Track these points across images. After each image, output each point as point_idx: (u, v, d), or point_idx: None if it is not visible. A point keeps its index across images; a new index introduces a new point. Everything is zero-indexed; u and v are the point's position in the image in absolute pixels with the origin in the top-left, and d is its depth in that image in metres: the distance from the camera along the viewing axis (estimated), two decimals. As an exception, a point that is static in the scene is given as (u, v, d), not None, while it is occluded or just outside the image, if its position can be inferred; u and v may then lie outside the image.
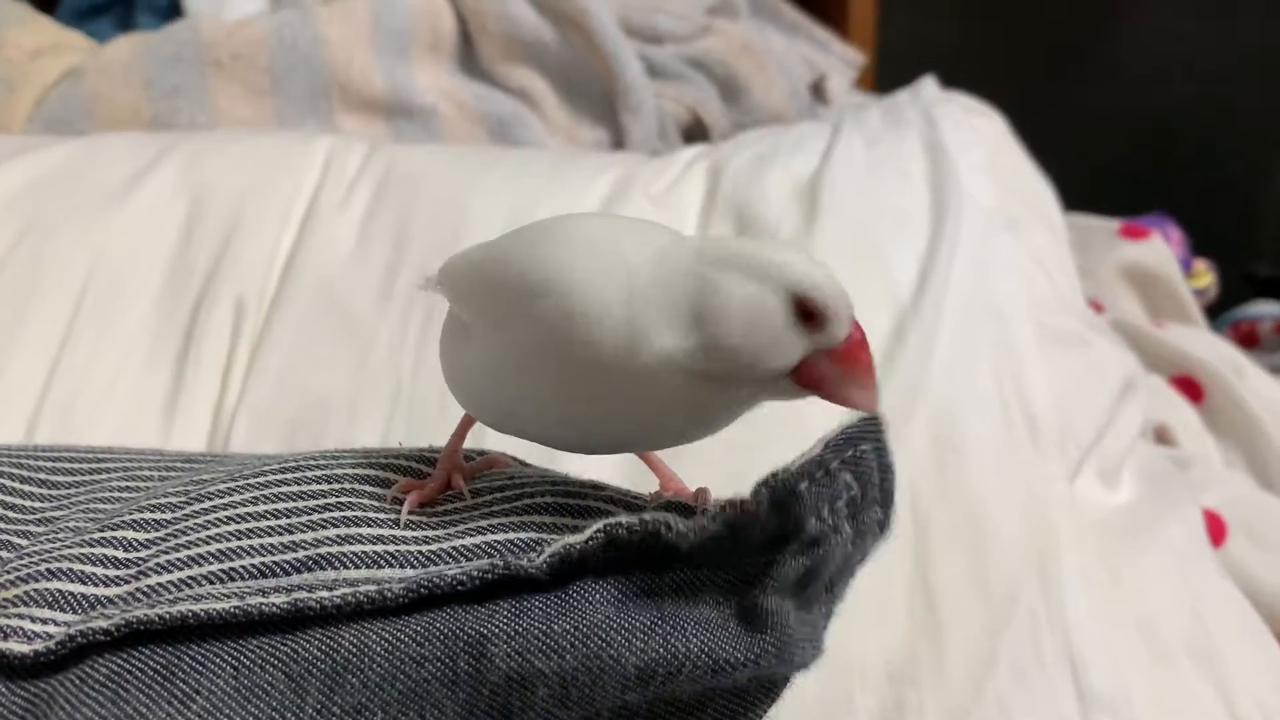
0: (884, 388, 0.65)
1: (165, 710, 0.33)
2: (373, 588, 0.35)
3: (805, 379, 0.36)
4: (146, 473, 0.47)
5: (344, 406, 0.66)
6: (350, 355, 0.68)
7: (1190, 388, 0.86)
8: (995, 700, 0.56)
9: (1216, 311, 1.14)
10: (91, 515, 0.43)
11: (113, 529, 0.40)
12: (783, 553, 0.35)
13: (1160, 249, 0.95)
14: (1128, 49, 1.83)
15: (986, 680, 0.57)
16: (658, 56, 1.06)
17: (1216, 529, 0.73)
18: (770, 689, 0.37)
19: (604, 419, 0.37)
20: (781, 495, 0.34)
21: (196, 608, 0.35)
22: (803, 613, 0.36)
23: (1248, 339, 1.09)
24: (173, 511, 0.41)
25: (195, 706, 0.34)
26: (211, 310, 0.70)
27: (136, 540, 0.40)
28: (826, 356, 0.36)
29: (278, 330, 0.69)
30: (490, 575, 0.35)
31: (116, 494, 0.45)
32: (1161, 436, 0.80)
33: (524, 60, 1.00)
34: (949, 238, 0.72)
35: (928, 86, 0.91)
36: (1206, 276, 1.03)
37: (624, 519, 0.35)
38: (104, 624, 0.35)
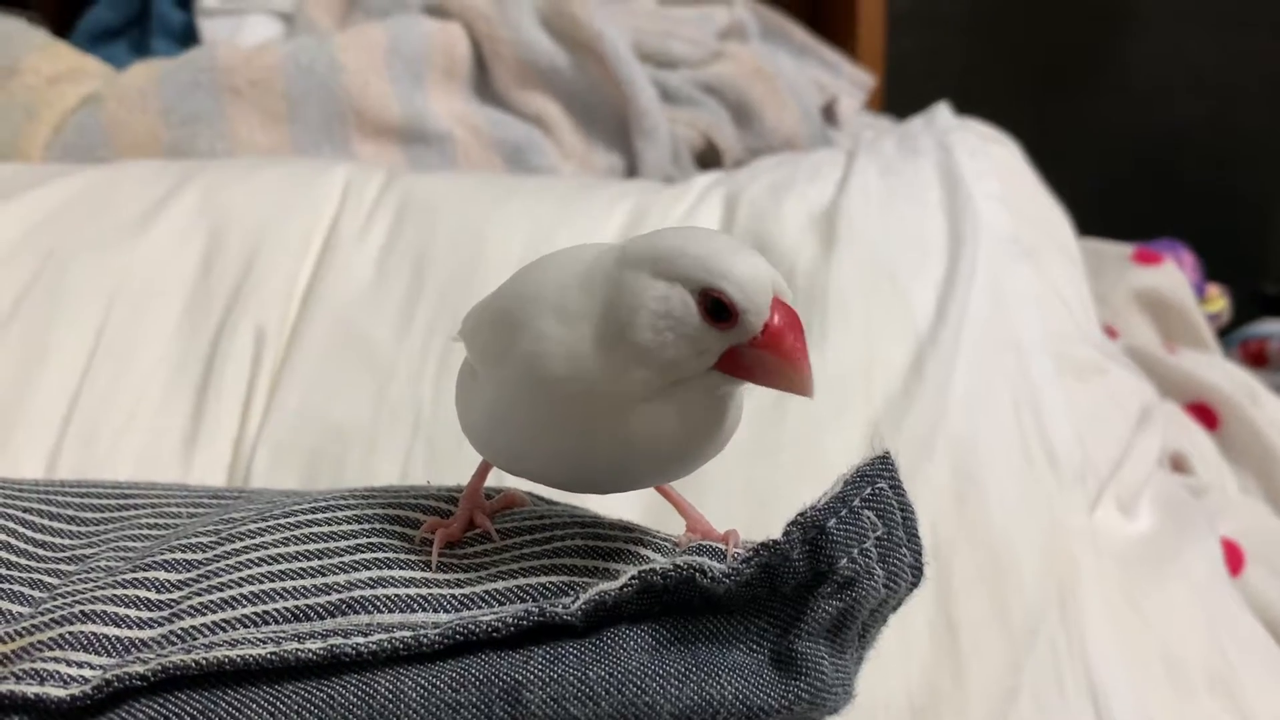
0: (903, 422, 0.65)
1: (203, 756, 0.34)
2: (408, 634, 0.35)
3: (731, 369, 0.35)
4: (175, 509, 0.47)
5: (364, 438, 0.66)
6: (370, 386, 0.68)
7: (1205, 415, 0.86)
8: (1018, 733, 0.56)
9: (1225, 330, 1.14)
10: (122, 554, 0.43)
11: (144, 569, 0.41)
12: (816, 595, 0.35)
13: (1174, 275, 0.96)
14: (1136, 67, 1.84)
15: (1009, 713, 0.57)
16: (671, 81, 1.07)
17: (1234, 558, 0.73)
18: (801, 734, 0.37)
19: (592, 453, 0.37)
20: (812, 534, 0.35)
21: (234, 653, 0.35)
22: (836, 658, 0.36)
23: (1257, 358, 1.09)
24: (204, 551, 0.41)
25: (231, 753, 0.34)
26: (232, 340, 0.70)
27: (169, 581, 0.40)
28: (752, 346, 0.34)
29: (297, 360, 0.69)
30: (525, 621, 0.35)
31: (146, 531, 0.45)
32: (1177, 464, 0.80)
33: (538, 86, 1.01)
34: (966, 267, 0.72)
35: (941, 114, 0.91)
36: (1220, 301, 1.03)
37: (658, 565, 0.36)
38: (140, 669, 0.35)
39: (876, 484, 0.37)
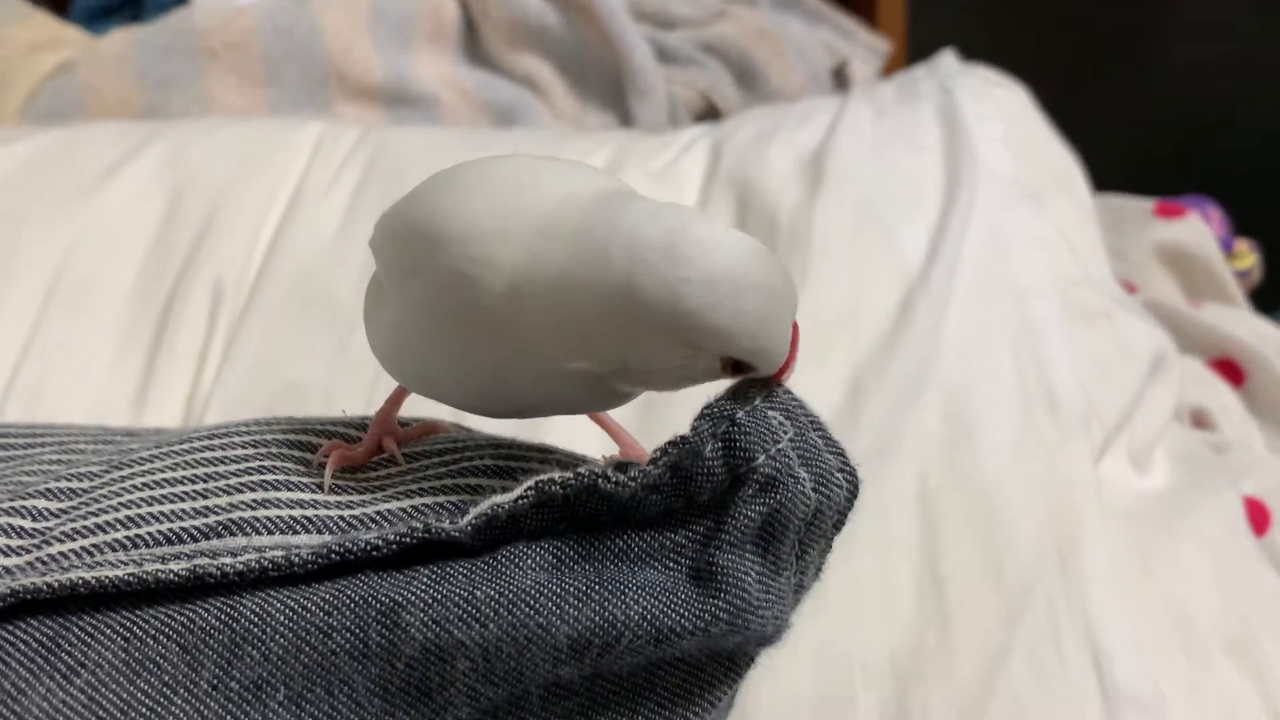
0: (889, 367, 0.61)
1: (46, 685, 0.30)
2: (279, 553, 0.32)
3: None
4: (82, 445, 0.44)
5: (320, 393, 0.63)
6: (329, 341, 0.65)
7: (1230, 370, 0.81)
8: (1009, 695, 0.52)
9: (1263, 297, 1.08)
10: (10, 488, 0.40)
11: (25, 499, 0.37)
12: (737, 500, 0.31)
13: (1198, 228, 0.90)
14: (1173, 40, 1.77)
15: (999, 674, 0.52)
16: (670, 41, 1.03)
17: (1260, 517, 0.67)
18: (730, 666, 0.33)
19: (512, 388, 0.33)
20: (723, 426, 0.31)
21: (88, 575, 0.32)
22: (767, 577, 0.32)
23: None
24: (90, 480, 0.38)
25: (79, 681, 0.30)
26: (188, 296, 0.67)
27: (47, 510, 0.37)
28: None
29: (255, 316, 0.66)
30: (409, 539, 0.32)
31: (45, 466, 0.42)
32: (1200, 421, 0.75)
33: (529, 46, 0.97)
34: (962, 208, 0.68)
35: (946, 60, 0.87)
36: (1250, 257, 0.97)
37: (557, 474, 0.32)
38: (-13, 594, 0.32)
39: (773, 387, 0.33)
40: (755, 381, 0.33)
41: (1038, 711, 0.51)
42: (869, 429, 0.59)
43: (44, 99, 0.87)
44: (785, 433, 0.31)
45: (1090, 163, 0.82)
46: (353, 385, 0.63)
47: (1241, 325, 0.83)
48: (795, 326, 0.32)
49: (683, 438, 0.31)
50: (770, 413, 0.32)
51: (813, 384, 0.61)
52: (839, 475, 0.33)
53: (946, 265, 0.65)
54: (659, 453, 0.31)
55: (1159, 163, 1.64)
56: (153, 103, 0.87)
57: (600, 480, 0.31)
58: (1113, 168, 0.97)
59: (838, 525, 0.34)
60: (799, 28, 1.14)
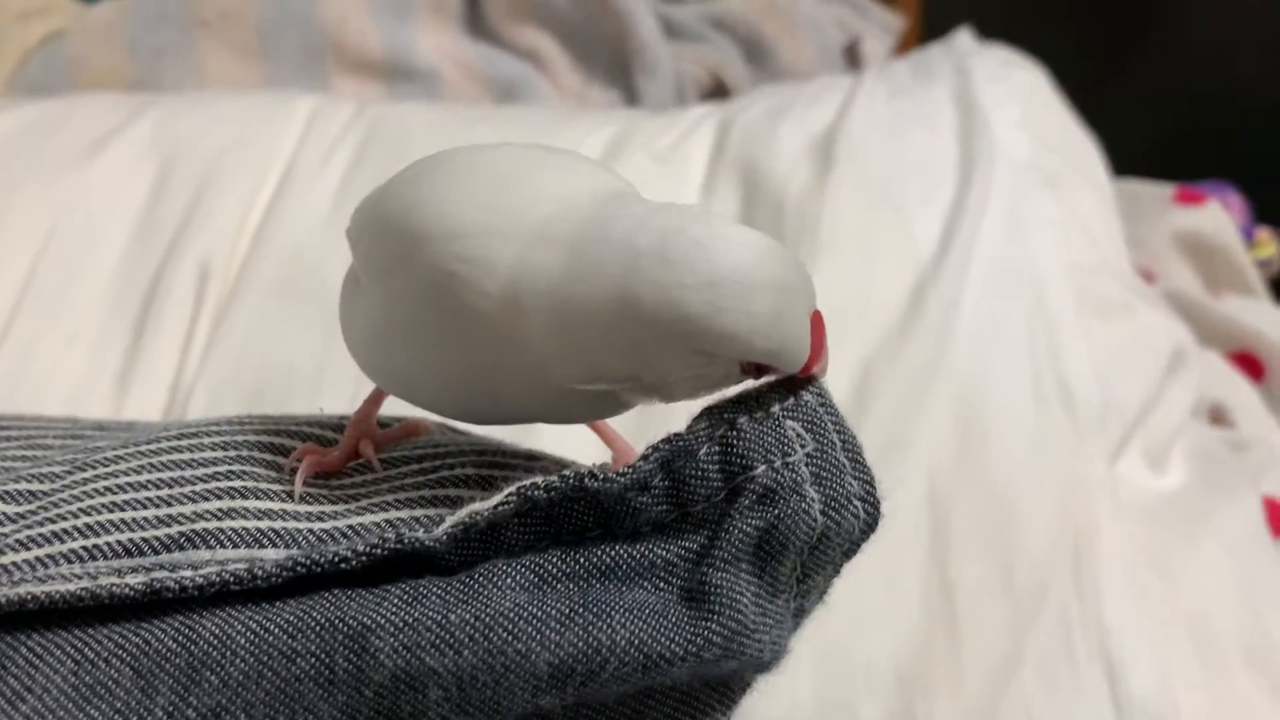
0: (898, 358, 0.59)
1: (-12, 711, 0.28)
2: (242, 566, 0.30)
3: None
4: (50, 440, 0.42)
5: (309, 378, 0.61)
6: (319, 324, 0.63)
7: (1250, 364, 0.79)
8: (1019, 705, 0.50)
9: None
10: (-30, 488, 0.38)
11: (-18, 502, 0.35)
12: (732, 511, 0.29)
13: (1218, 216, 0.87)
14: (1192, 20, 1.73)
15: (1009, 683, 0.50)
16: (678, 16, 1.00)
17: (1279, 518, 0.65)
18: (724, 694, 0.31)
19: (503, 398, 0.31)
20: (720, 429, 0.29)
21: (38, 590, 0.30)
22: (764, 599, 0.30)
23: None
24: (52, 482, 0.36)
25: (25, 708, 0.28)
26: (175, 274, 0.65)
27: (4, 514, 0.35)
28: None
29: (244, 296, 0.64)
30: (380, 551, 0.29)
31: (8, 464, 0.40)
32: (1217, 417, 0.72)
33: (533, 20, 0.94)
34: (977, 193, 0.65)
35: (962, 39, 0.84)
36: (1270, 246, 0.95)
37: (540, 479, 0.29)
38: (-69, 609, 0.30)
39: (801, 395, 0.30)
40: (781, 384, 0.30)
41: (1049, 724, 0.49)
42: (877, 423, 0.57)
43: (32, 69, 0.85)
44: (802, 446, 0.29)
45: (1109, 143, 0.80)
46: (342, 373, 0.61)
47: (1262, 318, 0.81)
48: (819, 318, 0.29)
49: (676, 435, 0.29)
50: (789, 423, 0.29)
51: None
52: (857, 504, 0.30)
53: (960, 252, 0.62)
54: (650, 449, 0.29)
55: (1179, 144, 1.60)
56: (144, 75, 0.84)
57: (586, 478, 0.29)
58: (1132, 148, 0.94)
59: (849, 553, 0.32)
60: (811, 3, 1.11)
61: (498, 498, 0.29)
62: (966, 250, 0.62)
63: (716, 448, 0.29)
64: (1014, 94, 0.74)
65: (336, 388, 0.61)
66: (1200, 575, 0.57)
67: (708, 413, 0.29)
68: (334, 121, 0.74)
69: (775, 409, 0.29)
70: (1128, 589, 0.54)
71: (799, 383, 0.30)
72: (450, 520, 0.29)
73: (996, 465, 0.56)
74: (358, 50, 0.89)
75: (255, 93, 0.80)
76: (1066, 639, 0.52)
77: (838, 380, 0.58)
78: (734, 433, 0.29)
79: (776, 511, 0.29)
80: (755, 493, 0.29)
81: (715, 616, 0.28)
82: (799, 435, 0.29)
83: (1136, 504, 0.58)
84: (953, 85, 0.75)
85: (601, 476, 0.29)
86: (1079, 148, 0.76)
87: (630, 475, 0.29)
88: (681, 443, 0.29)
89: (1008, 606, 0.52)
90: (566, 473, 0.29)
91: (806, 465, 0.29)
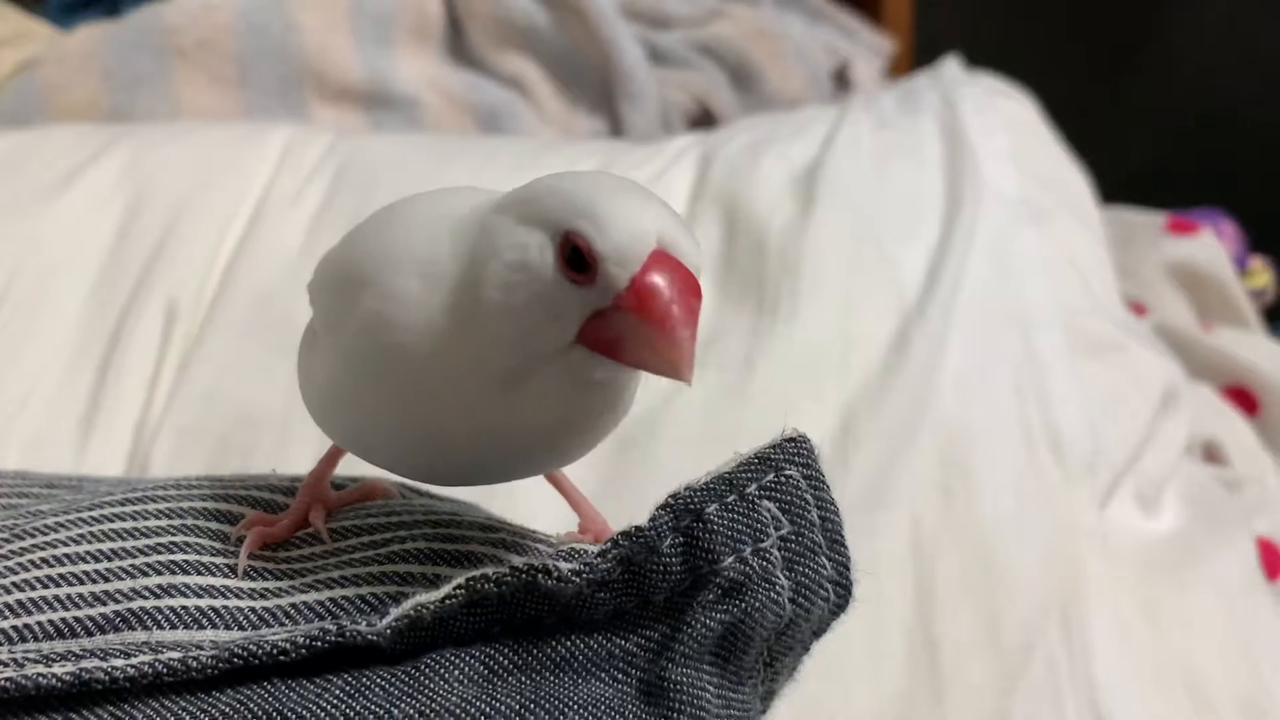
0: (882, 403, 0.57)
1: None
2: (176, 655, 0.28)
3: (596, 343, 0.27)
4: (-4, 501, 0.40)
5: (277, 425, 0.59)
6: (286, 367, 0.61)
7: (1244, 399, 0.77)
8: (1006, 767, 0.48)
9: (1278, 316, 1.04)
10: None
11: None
12: (695, 605, 0.27)
13: (1211, 245, 0.86)
14: (1184, 42, 1.72)
15: (995, 744, 0.49)
16: (663, 42, 0.99)
17: (1273, 560, 0.64)
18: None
19: (445, 440, 0.30)
20: (685, 520, 0.27)
21: (-40, 680, 0.28)
22: (727, 689, 0.29)
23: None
24: (-11, 552, 0.34)
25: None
26: (141, 315, 0.63)
27: (-63, 587, 0.33)
28: (619, 309, 0.27)
29: (211, 338, 0.63)
30: (320, 643, 0.28)
31: (-50, 527, 0.38)
32: (1210, 454, 0.71)
33: (516, 46, 0.93)
34: (964, 231, 0.64)
35: (950, 68, 0.83)
36: (1264, 275, 0.93)
37: (491, 570, 0.28)
38: None
39: (783, 471, 0.29)
40: (761, 460, 0.29)
41: (1037, 787, 0.47)
42: (860, 472, 0.56)
43: (5, 97, 0.83)
44: (777, 529, 0.28)
45: (1100, 167, 0.78)
46: (309, 418, 0.59)
47: (1256, 350, 0.79)
48: (663, 254, 0.26)
49: (637, 529, 0.28)
50: (765, 504, 0.28)
51: (801, 422, 0.57)
52: (828, 587, 0.29)
53: (946, 293, 0.61)
54: (610, 544, 0.28)
55: (1172, 168, 1.59)
56: (120, 104, 0.83)
57: (540, 575, 0.27)
58: (1124, 172, 0.93)
59: (818, 633, 0.30)
60: (800, 27, 1.10)
61: (446, 589, 0.28)
62: (952, 290, 0.61)
63: (680, 539, 0.27)
64: (1002, 125, 0.73)
65: (304, 432, 0.59)
66: (1192, 623, 0.56)
67: (673, 500, 0.28)
68: (309, 153, 0.72)
69: (752, 489, 0.28)
70: (1118, 642, 0.53)
71: (788, 452, 0.29)
72: (395, 613, 0.28)
73: (983, 514, 0.54)
74: (337, 78, 0.88)
75: (229, 124, 0.79)
76: (1055, 697, 0.50)
77: (821, 425, 0.56)
78: (699, 524, 0.27)
79: (744, 605, 0.27)
80: (721, 587, 0.27)
81: (677, 714, 0.27)
82: (774, 518, 0.28)
83: (1127, 549, 0.57)
84: (939, 116, 0.73)
85: (555, 574, 0.27)
86: (1068, 180, 0.75)
87: (587, 575, 0.27)
88: (642, 538, 0.27)
89: (994, 663, 0.51)
90: (519, 564, 0.28)
91: (779, 550, 0.28)
